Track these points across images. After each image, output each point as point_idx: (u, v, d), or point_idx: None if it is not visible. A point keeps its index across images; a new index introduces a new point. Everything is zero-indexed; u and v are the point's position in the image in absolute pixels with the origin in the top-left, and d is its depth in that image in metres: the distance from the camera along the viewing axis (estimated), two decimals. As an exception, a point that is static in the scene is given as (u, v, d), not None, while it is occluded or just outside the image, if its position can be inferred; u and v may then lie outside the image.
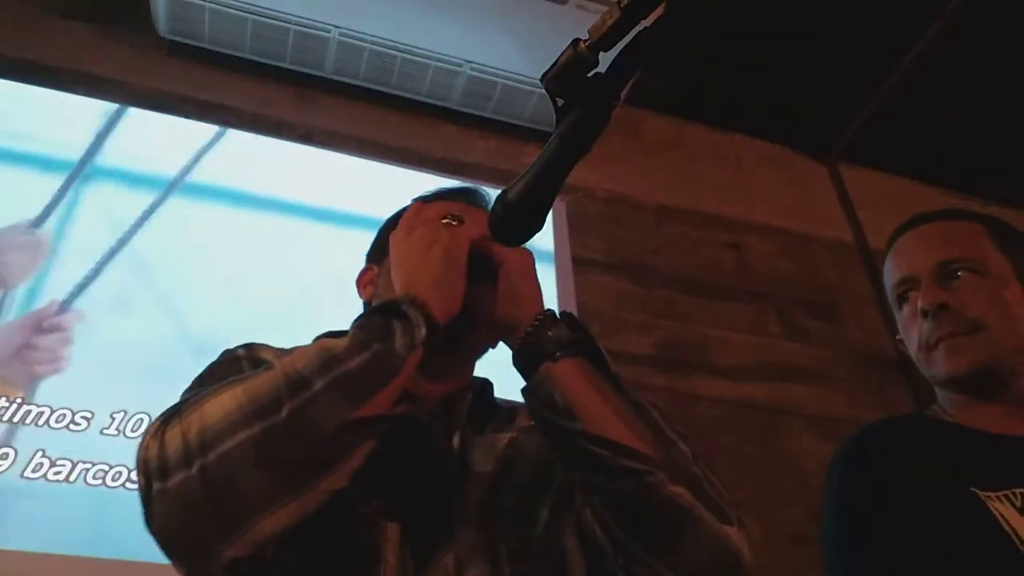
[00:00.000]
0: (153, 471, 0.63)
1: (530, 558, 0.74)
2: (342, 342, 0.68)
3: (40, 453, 1.54)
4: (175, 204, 2.02)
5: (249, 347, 0.83)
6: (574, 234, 2.37)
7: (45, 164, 1.96)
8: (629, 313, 2.28)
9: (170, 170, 2.06)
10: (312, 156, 2.26)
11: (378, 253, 0.99)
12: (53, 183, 1.94)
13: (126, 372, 1.68)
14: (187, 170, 2.07)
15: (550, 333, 0.77)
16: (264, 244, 2.01)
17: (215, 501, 0.61)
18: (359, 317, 0.74)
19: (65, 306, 1.77)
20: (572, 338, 0.77)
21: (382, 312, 0.73)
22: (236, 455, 0.61)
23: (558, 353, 0.75)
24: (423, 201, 0.99)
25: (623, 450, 0.70)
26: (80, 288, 1.80)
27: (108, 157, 2.04)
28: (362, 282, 0.99)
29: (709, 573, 0.69)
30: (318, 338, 0.73)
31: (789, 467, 2.11)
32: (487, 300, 0.82)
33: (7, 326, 1.70)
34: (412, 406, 0.72)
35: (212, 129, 2.18)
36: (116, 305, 1.80)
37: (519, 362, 0.79)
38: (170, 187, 2.03)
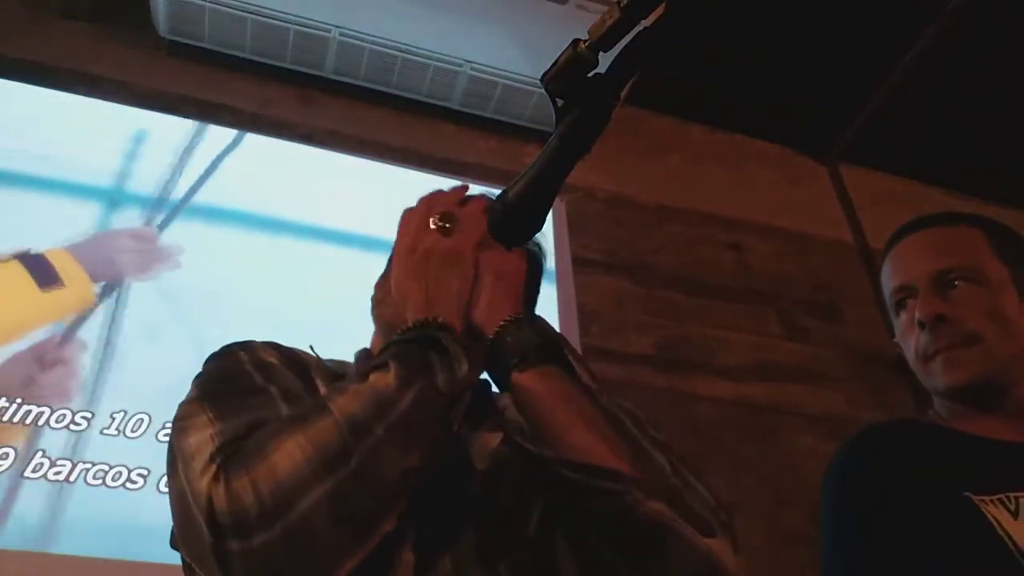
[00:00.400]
0: (227, 526, 0.61)
1: (523, 558, 0.73)
2: (389, 379, 0.67)
3: (40, 453, 1.54)
4: (190, 226, 2.02)
5: (247, 347, 0.81)
6: (574, 234, 2.37)
7: (75, 189, 1.97)
8: (629, 313, 2.28)
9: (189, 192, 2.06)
10: (341, 178, 2.24)
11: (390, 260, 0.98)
12: (78, 208, 1.94)
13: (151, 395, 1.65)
14: (194, 190, 2.06)
15: (513, 340, 0.74)
16: (288, 268, 2.00)
17: (299, 562, 0.61)
18: (392, 343, 0.71)
19: (68, 336, 1.72)
20: (537, 344, 0.74)
21: (417, 342, 0.71)
22: (314, 513, 0.61)
23: (524, 364, 0.73)
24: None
25: (595, 472, 0.68)
26: (82, 317, 1.76)
27: (133, 181, 2.04)
28: (376, 285, 0.98)
29: None
30: (362, 367, 0.71)
31: (789, 467, 2.11)
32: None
33: (7, 362, 1.64)
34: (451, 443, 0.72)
35: (224, 144, 2.18)
36: (142, 331, 1.78)
37: (489, 370, 0.77)
38: (177, 208, 2.03)
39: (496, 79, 2.36)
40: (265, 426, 0.66)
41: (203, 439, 0.67)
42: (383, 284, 0.93)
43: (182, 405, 0.74)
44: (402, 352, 0.70)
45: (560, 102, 0.71)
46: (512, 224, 0.76)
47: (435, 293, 0.76)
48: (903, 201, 3.05)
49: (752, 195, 2.82)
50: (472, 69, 2.34)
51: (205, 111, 2.23)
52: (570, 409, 0.72)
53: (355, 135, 2.35)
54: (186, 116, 2.19)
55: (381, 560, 0.68)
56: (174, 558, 0.73)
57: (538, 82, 0.71)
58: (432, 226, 0.82)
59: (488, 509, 0.75)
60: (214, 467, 0.64)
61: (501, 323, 0.76)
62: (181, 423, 0.71)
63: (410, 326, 0.73)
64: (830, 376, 2.41)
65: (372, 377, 0.68)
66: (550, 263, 2.10)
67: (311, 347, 0.89)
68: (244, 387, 0.74)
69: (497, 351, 0.75)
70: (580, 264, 2.31)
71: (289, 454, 0.63)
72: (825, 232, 2.83)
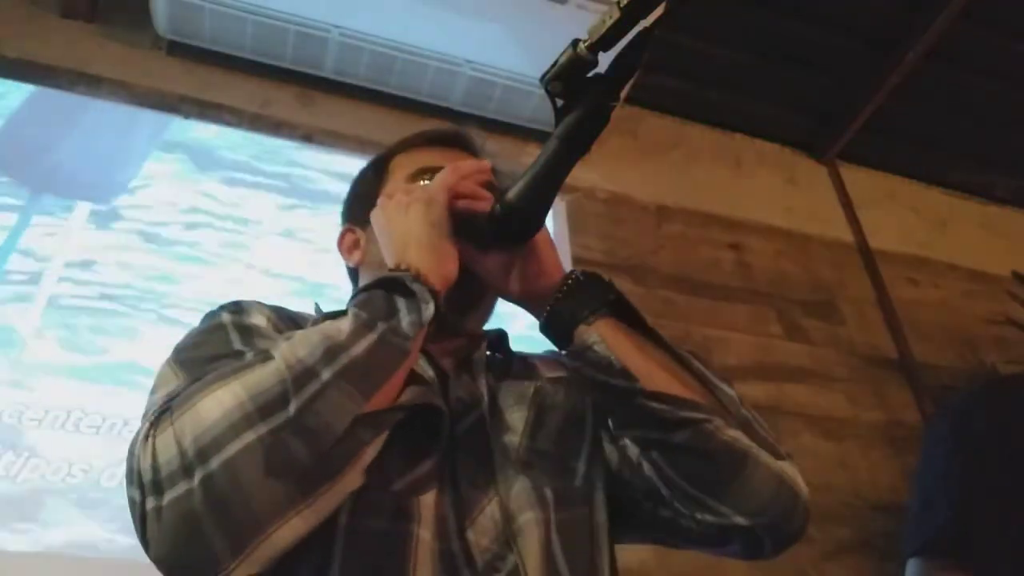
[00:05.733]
0: (147, 484, 0.56)
1: (571, 507, 0.73)
2: (344, 324, 0.63)
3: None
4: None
5: (237, 309, 0.75)
6: (574, 234, 2.37)
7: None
8: (629, 313, 2.28)
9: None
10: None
11: (359, 213, 0.92)
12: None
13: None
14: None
15: (581, 295, 0.76)
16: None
17: (222, 515, 0.55)
18: (357, 292, 0.70)
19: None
20: (604, 299, 0.75)
21: (384, 287, 0.68)
22: (242, 461, 0.55)
23: (592, 316, 0.74)
24: (395, 152, 0.95)
25: (681, 402, 0.70)
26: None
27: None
28: (345, 245, 0.93)
29: (773, 508, 0.71)
30: (317, 319, 0.68)
31: (789, 467, 2.11)
32: (496, 267, 0.80)
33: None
34: (425, 390, 0.69)
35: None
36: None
37: (551, 328, 0.77)
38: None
39: (496, 79, 2.36)
40: (202, 379, 0.61)
41: (157, 400, 0.63)
42: (375, 248, 0.87)
43: (161, 366, 0.69)
44: (364, 300, 0.67)
45: (560, 102, 0.71)
46: (512, 225, 0.76)
47: (403, 246, 0.74)
48: (903, 201, 3.05)
49: (752, 195, 2.82)
50: (472, 69, 2.33)
51: (205, 111, 2.23)
52: (642, 352, 0.73)
53: (355, 135, 2.35)
54: (186, 116, 2.19)
55: (403, 511, 0.67)
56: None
57: (538, 82, 0.71)
58: (420, 182, 0.85)
59: (533, 455, 0.75)
60: (147, 427, 0.59)
61: (564, 284, 0.77)
62: (154, 384, 0.67)
63: (378, 278, 0.71)
64: (830, 376, 2.41)
65: (324, 324, 0.64)
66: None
67: (316, 304, 0.85)
68: (216, 350, 0.68)
69: (565, 310, 0.75)
70: (580, 264, 2.30)
71: (219, 401, 0.57)
72: (825, 232, 2.82)
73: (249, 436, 0.56)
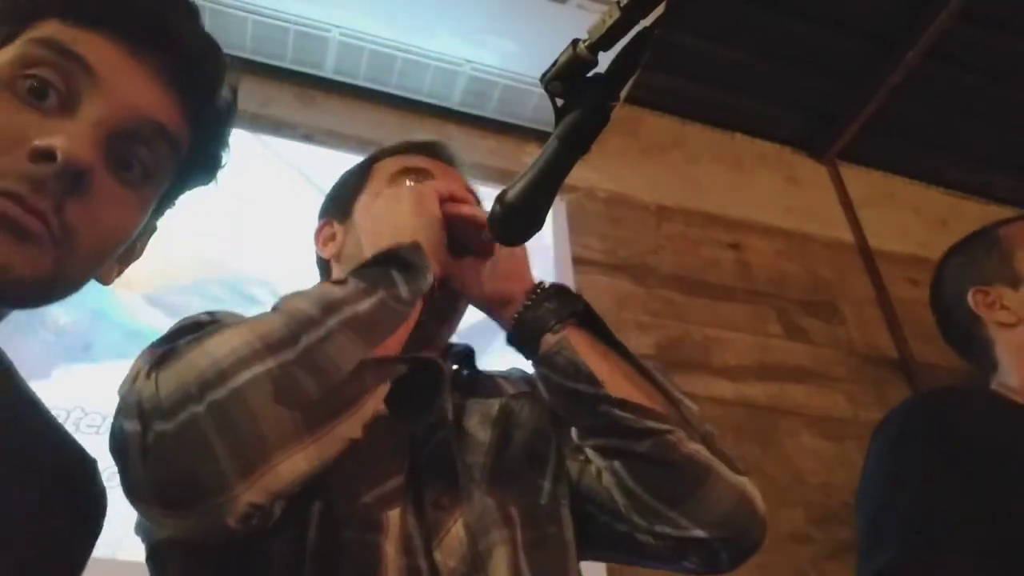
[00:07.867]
0: (148, 412, 0.55)
1: (539, 526, 0.74)
2: (343, 288, 0.65)
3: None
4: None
5: (212, 314, 0.76)
6: (574, 234, 2.37)
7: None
8: (629, 313, 2.28)
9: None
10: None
11: (339, 208, 0.94)
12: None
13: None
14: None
15: (549, 305, 0.77)
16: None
17: (231, 436, 0.54)
18: (352, 271, 0.70)
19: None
20: (572, 309, 0.77)
21: (379, 263, 0.70)
22: (251, 390, 0.55)
23: (558, 325, 0.75)
24: (380, 156, 0.97)
25: (645, 411, 0.71)
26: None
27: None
28: (322, 238, 0.95)
29: (732, 521, 0.72)
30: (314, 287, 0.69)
31: (789, 467, 2.11)
32: (469, 272, 0.81)
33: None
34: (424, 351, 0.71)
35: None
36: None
37: (518, 335, 0.78)
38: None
39: (496, 79, 2.36)
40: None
41: (139, 365, 0.62)
42: (351, 240, 0.89)
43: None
44: (361, 272, 0.69)
45: (560, 102, 0.71)
46: (511, 224, 0.76)
47: (397, 233, 0.75)
48: (903, 201, 3.05)
49: (752, 195, 2.82)
50: (472, 69, 2.34)
51: (205, 111, 2.23)
52: (607, 362, 0.75)
53: (355, 135, 2.35)
54: (186, 116, 2.19)
55: (371, 526, 0.67)
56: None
57: (538, 82, 0.71)
58: (406, 180, 0.86)
59: (500, 475, 0.76)
60: (147, 367, 0.59)
61: (532, 293, 0.78)
62: (128, 374, 0.66)
63: (375, 254, 0.72)
64: (830, 376, 2.41)
65: (325, 285, 0.66)
66: (550, 263, 2.07)
67: None
68: (195, 328, 0.68)
69: (534, 319, 0.77)
70: (580, 264, 2.31)
71: (226, 340, 0.58)
72: (825, 232, 2.82)
73: (258, 368, 0.56)
